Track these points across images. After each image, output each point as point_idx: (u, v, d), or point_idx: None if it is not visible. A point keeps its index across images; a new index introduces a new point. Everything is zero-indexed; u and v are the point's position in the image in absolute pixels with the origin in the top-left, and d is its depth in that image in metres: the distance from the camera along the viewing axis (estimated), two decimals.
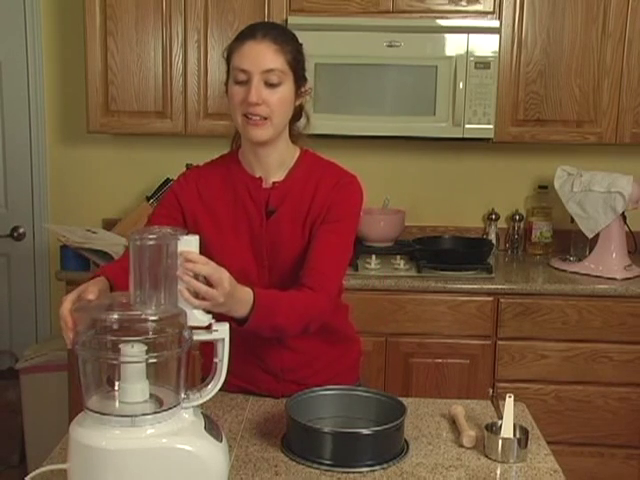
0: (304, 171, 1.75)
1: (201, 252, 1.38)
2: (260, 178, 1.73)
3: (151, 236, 1.29)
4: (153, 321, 1.24)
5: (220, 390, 1.37)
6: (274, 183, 1.73)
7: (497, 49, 2.93)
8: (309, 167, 1.76)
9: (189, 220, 1.74)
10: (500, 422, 1.57)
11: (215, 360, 1.37)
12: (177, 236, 1.32)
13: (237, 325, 1.50)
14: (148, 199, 3.20)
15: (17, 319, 3.50)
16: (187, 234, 1.36)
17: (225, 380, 1.37)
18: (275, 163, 1.73)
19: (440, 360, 2.85)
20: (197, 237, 1.36)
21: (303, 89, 1.71)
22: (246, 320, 1.50)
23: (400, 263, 2.94)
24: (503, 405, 1.57)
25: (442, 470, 1.49)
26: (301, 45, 1.71)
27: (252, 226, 1.72)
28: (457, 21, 2.93)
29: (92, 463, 1.23)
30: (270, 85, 1.62)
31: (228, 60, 1.68)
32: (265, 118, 1.63)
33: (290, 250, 1.71)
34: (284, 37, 1.66)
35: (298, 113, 1.76)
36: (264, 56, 1.61)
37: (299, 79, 1.68)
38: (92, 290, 1.43)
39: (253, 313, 1.50)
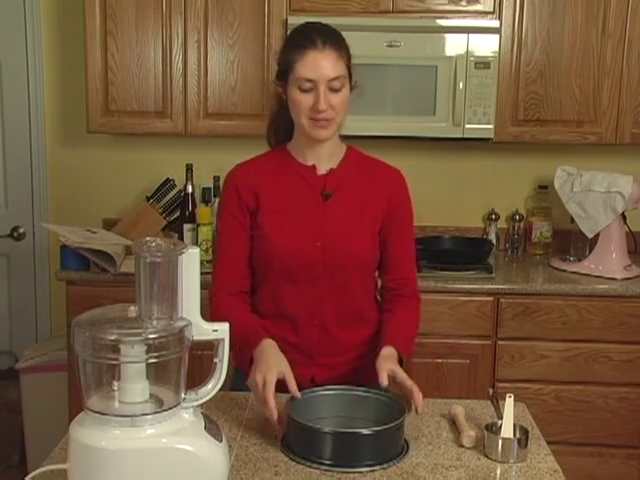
0: (356, 161, 1.89)
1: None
2: (313, 166, 1.85)
3: (159, 253, 1.30)
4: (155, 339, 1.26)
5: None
6: (331, 169, 1.85)
7: (497, 49, 2.93)
8: (359, 158, 1.91)
9: (251, 214, 1.84)
10: (500, 422, 1.57)
11: (215, 360, 1.37)
12: (182, 250, 1.33)
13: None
14: (148, 199, 3.20)
15: (17, 319, 3.50)
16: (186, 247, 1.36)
17: None
18: (328, 153, 1.85)
19: (440, 360, 2.85)
20: (197, 250, 1.36)
21: (352, 83, 1.81)
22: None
23: None
24: (503, 405, 1.57)
25: (442, 470, 1.49)
26: (345, 40, 1.81)
27: (307, 209, 1.82)
28: (457, 21, 2.93)
29: (92, 463, 1.23)
30: (334, 90, 1.73)
31: (287, 66, 1.75)
32: (330, 119, 1.76)
33: (344, 230, 1.81)
34: (340, 40, 1.78)
35: None
36: (328, 65, 1.72)
37: (351, 77, 1.80)
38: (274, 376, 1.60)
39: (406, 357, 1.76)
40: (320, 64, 1.71)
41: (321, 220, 1.81)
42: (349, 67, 1.78)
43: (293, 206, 1.82)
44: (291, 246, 1.79)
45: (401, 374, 1.63)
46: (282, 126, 1.88)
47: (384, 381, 1.58)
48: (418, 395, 1.59)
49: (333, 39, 1.75)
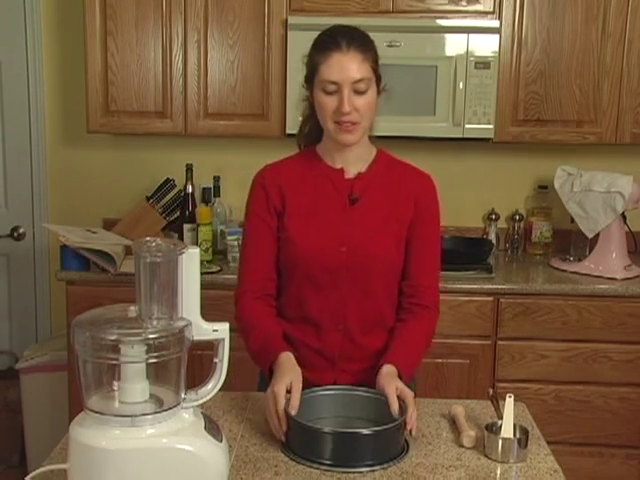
0: (384, 165, 1.87)
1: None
2: (342, 169, 1.83)
3: (159, 253, 1.30)
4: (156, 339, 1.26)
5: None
6: (359, 173, 1.83)
7: (497, 49, 2.93)
8: (388, 162, 1.89)
9: (278, 216, 1.83)
10: (500, 422, 1.57)
11: (215, 360, 1.37)
12: (182, 250, 1.33)
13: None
14: (148, 199, 3.20)
15: (17, 319, 3.50)
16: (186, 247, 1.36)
17: None
18: (356, 157, 1.83)
19: (440, 360, 2.85)
20: (197, 250, 1.36)
21: (381, 86, 1.79)
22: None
23: None
24: (503, 405, 1.58)
25: (442, 470, 1.49)
26: (373, 42, 1.78)
27: (333, 213, 1.81)
28: (457, 21, 2.93)
29: (92, 463, 1.23)
30: (359, 93, 1.71)
31: (312, 68, 1.75)
32: (356, 122, 1.73)
33: (370, 235, 1.80)
34: (365, 42, 1.75)
35: None
36: (352, 67, 1.70)
37: (379, 79, 1.78)
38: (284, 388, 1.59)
39: (404, 375, 1.71)
40: (344, 66, 1.69)
41: (347, 224, 1.79)
42: (375, 70, 1.75)
43: (319, 209, 1.81)
44: (315, 250, 1.78)
45: (404, 390, 1.61)
46: (312, 129, 1.87)
47: (396, 412, 1.55)
48: (412, 417, 1.56)
49: (358, 41, 1.72)
